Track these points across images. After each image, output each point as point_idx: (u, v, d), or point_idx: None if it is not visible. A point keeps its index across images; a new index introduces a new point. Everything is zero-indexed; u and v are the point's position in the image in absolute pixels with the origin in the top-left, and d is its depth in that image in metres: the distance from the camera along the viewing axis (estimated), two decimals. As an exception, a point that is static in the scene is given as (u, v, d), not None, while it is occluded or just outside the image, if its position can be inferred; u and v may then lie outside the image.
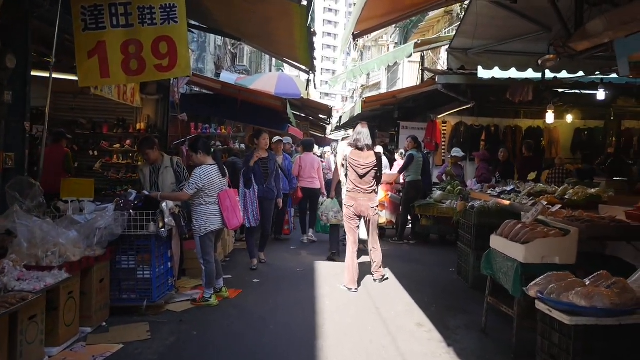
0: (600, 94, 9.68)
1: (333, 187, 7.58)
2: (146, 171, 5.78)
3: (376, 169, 6.21)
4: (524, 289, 3.63)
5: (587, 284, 3.20)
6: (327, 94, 73.03)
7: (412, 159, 9.35)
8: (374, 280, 6.48)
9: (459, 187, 9.03)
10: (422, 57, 15.15)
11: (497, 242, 4.43)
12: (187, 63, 4.81)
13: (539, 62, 6.07)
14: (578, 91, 11.92)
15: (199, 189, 5.30)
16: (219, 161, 5.58)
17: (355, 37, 6.75)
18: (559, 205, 4.58)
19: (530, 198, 5.95)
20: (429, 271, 7.38)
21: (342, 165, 6.52)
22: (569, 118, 11.99)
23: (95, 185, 5.23)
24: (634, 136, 12.58)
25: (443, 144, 13.02)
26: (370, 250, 6.48)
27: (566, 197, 5.35)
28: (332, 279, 6.68)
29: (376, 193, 6.33)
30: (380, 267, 6.49)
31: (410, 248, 9.16)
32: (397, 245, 9.27)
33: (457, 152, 10.56)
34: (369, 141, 6.29)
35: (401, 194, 9.82)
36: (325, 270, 7.21)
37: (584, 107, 12.66)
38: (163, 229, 5.10)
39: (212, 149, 5.65)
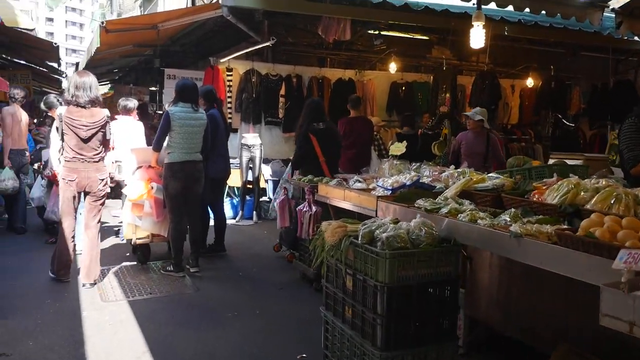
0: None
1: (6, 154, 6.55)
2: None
3: (103, 131, 4.93)
4: None
5: None
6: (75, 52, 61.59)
7: (167, 120, 5.26)
8: (83, 285, 4.85)
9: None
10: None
11: None
12: None
13: None
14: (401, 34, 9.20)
15: None
16: None
17: None
18: None
19: (517, 218, 2.51)
20: None
21: (57, 128, 5.00)
22: (393, 67, 9.17)
23: None
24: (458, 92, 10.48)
25: (229, 100, 9.13)
26: (84, 235, 4.97)
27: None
28: None
29: (104, 162, 5.10)
30: (96, 264, 4.94)
31: (200, 286, 5.09)
32: (173, 281, 5.14)
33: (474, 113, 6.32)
34: (94, 94, 4.87)
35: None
36: None
37: (402, 56, 10.06)
38: None
39: None
